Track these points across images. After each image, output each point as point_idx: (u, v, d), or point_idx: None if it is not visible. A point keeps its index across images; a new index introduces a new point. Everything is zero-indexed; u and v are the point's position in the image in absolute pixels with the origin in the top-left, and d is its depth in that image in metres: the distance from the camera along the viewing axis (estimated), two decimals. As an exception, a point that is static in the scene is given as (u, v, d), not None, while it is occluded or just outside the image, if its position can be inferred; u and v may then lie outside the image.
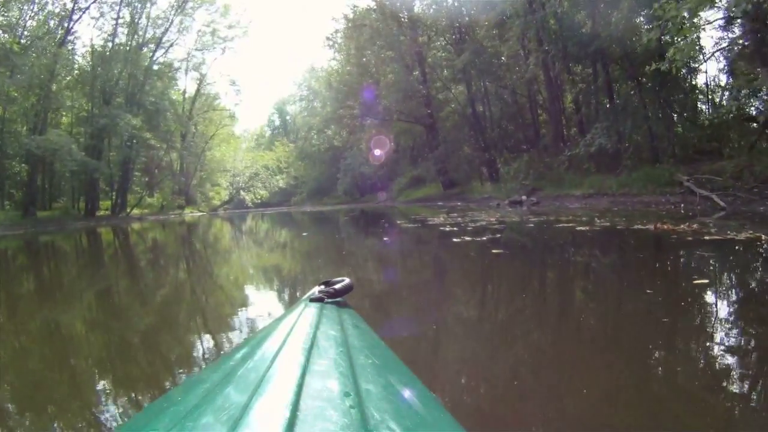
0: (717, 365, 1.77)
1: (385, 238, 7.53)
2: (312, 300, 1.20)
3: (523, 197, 18.76)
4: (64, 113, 31.26)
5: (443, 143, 27.97)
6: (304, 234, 9.65)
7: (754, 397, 1.51)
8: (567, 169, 19.98)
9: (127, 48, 30.33)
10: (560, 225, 7.66)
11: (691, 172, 15.42)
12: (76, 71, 30.68)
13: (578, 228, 6.75)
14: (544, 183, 20.19)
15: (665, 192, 14.67)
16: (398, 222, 10.74)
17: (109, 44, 30.32)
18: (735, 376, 1.65)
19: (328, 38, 30.73)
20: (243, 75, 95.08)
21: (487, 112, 26.58)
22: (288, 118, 55.58)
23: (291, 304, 2.03)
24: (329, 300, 1.22)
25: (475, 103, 25.83)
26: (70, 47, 29.75)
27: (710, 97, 21.26)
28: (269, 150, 47.40)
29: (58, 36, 28.06)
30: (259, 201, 42.98)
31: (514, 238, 6.56)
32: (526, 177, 21.10)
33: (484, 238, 6.12)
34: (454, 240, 6.09)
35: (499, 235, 6.49)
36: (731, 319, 2.36)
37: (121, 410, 1.65)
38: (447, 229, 7.78)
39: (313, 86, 44.70)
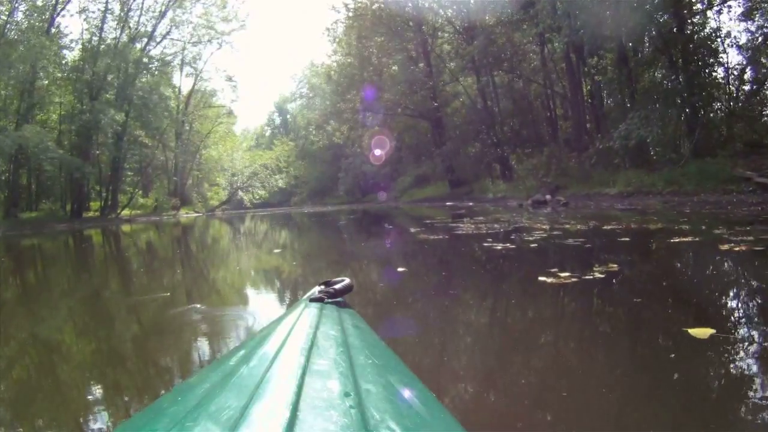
0: None
1: (399, 268, 4.16)
2: (312, 300, 1.14)
3: (547, 196, 15.62)
4: (53, 110, 28.09)
5: (451, 139, 24.80)
6: (276, 251, 6.44)
7: None
8: (594, 164, 16.79)
9: (117, 41, 27.20)
10: (676, 240, 4.57)
11: (755, 167, 12.35)
12: (67, 66, 27.43)
13: (738, 249, 3.62)
14: (567, 180, 17.04)
15: (730, 190, 11.53)
16: (411, 230, 7.54)
17: (97, 37, 27.11)
18: None
19: (328, 29, 27.53)
20: (243, 74, 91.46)
21: (497, 107, 23.38)
22: (289, 117, 52.20)
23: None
24: (329, 300, 1.16)
25: (486, 95, 22.63)
26: (57, 40, 26.78)
27: (729, 89, 17.95)
28: (269, 149, 44.10)
29: (40, 28, 24.92)
30: (259, 201, 39.73)
31: (652, 275, 3.36)
32: (546, 174, 17.92)
33: (600, 276, 2.98)
34: (543, 280, 2.95)
35: (615, 268, 3.31)
36: None
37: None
38: (497, 246, 4.66)
39: (313, 82, 41.33)
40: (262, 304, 3.36)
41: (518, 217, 9.37)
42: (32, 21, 24.98)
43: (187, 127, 32.96)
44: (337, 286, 1.24)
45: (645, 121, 14.88)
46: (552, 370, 1.79)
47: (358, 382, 0.63)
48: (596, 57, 19.45)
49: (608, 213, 9.65)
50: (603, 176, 15.93)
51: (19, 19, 24.59)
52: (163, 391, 1.67)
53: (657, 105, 15.56)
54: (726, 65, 16.88)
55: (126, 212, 28.02)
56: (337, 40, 28.30)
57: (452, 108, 26.58)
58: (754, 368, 1.63)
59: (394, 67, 25.26)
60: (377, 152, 28.85)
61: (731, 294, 2.73)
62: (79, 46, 27.16)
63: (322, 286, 1.27)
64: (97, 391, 1.79)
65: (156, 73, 28.98)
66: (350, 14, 25.83)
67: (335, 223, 12.72)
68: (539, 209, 13.65)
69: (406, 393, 0.67)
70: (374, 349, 0.87)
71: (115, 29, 27.69)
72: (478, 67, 21.56)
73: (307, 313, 0.97)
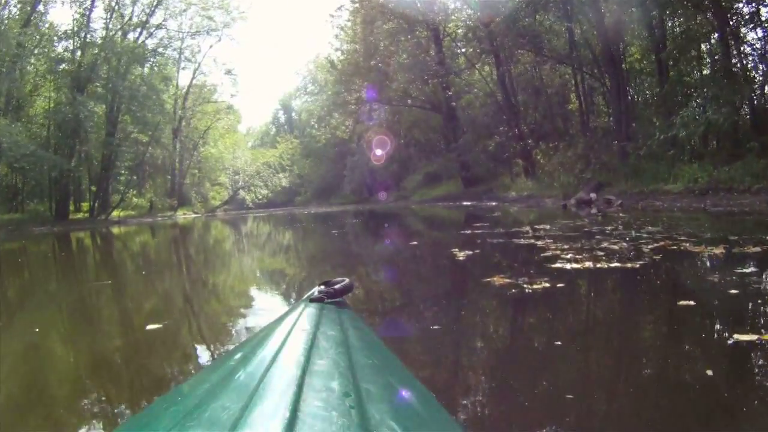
0: None
1: None
2: (312, 300, 1.06)
3: (592, 195, 12.35)
4: (42, 105, 24.95)
5: (465, 133, 21.50)
6: (155, 327, 3.07)
7: None
8: (643, 157, 13.42)
9: (106, 31, 24.07)
10: None
11: None
12: (53, 58, 24.24)
13: None
14: (612, 176, 13.73)
15: None
16: (457, 255, 3.93)
17: (85, 27, 23.94)
18: None
19: (332, 15, 24.27)
20: (249, 73, 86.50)
21: (514, 97, 19.96)
22: (293, 114, 48.63)
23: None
24: (329, 300, 1.08)
25: (506, 84, 19.26)
26: (46, 31, 23.75)
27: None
28: (274, 148, 40.67)
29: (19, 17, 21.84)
30: (263, 201, 36.39)
31: None
32: (583, 170, 14.61)
33: None
34: None
35: None
36: None
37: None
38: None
39: (318, 79, 37.75)
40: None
41: (591, 224, 6.08)
42: (11, 9, 21.88)
43: (185, 124, 29.76)
44: (337, 287, 1.13)
45: (714, 102, 11.52)
46: None
47: (358, 382, 0.59)
48: (622, 44, 16.33)
49: (725, 218, 6.36)
50: (658, 170, 12.61)
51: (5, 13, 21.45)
52: (163, 391, 1.47)
53: (725, 83, 12.16)
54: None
55: (116, 213, 24.88)
56: (341, 27, 25.00)
57: (466, 100, 23.24)
58: None
59: (403, 55, 21.94)
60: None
61: None
62: (65, 37, 23.93)
63: (322, 287, 1.16)
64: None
65: (150, 65, 25.86)
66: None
67: (332, 229, 9.50)
68: (582, 209, 10.44)
69: (406, 393, 0.64)
70: (374, 350, 0.83)
71: (105, 19, 24.55)
72: (497, 49, 18.20)
73: (307, 314, 0.91)
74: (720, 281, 2.41)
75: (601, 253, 3.40)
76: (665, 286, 2.67)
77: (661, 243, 3.76)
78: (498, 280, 2.75)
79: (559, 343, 1.74)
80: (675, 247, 3.56)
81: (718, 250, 3.30)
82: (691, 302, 2.07)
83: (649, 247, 3.60)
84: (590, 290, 2.71)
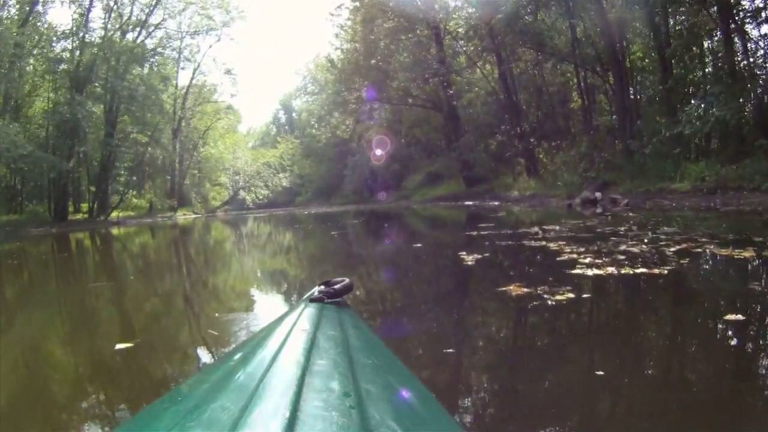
0: None
1: None
2: (312, 300, 1.05)
3: (597, 194, 12.12)
4: (42, 106, 24.69)
5: (467, 132, 21.24)
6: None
7: None
8: (648, 155, 13.16)
9: (105, 30, 23.81)
10: None
11: None
12: (52, 58, 23.97)
13: None
14: (617, 175, 13.49)
15: None
16: (465, 259, 3.65)
17: (83, 27, 23.68)
18: None
19: (331, 14, 24.00)
20: (247, 73, 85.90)
21: (515, 95, 19.67)
22: (294, 114, 48.29)
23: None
24: (329, 300, 1.06)
25: (508, 82, 18.99)
26: (44, 31, 23.53)
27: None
28: (274, 148, 40.38)
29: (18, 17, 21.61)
30: (263, 201, 36.11)
31: None
32: (588, 168, 14.35)
33: None
34: None
35: None
36: None
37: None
38: None
39: (318, 79, 37.42)
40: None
41: (602, 224, 5.83)
42: (9, 10, 21.64)
43: (185, 124, 29.48)
44: (337, 287, 1.12)
45: (720, 99, 11.25)
46: None
47: (358, 382, 0.59)
48: (625, 41, 16.09)
49: (739, 217, 6.12)
50: (663, 169, 12.36)
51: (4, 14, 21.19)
52: (163, 391, 1.45)
53: (730, 80, 11.91)
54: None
55: (115, 214, 24.63)
56: (341, 26, 24.73)
57: (467, 99, 22.98)
58: None
59: (404, 54, 21.68)
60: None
61: None
62: (64, 37, 23.67)
63: (322, 286, 1.15)
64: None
65: (149, 65, 25.60)
66: (355, -2, 22.33)
67: (332, 230, 9.28)
68: (588, 209, 10.20)
69: (406, 393, 0.64)
70: (374, 350, 0.82)
71: (103, 19, 24.29)
72: (499, 47, 17.94)
73: (307, 313, 0.90)
74: (763, 290, 2.17)
75: (622, 257, 3.17)
76: (703, 295, 2.44)
77: (683, 245, 3.54)
78: (515, 289, 2.52)
79: (601, 372, 1.46)
80: (699, 250, 3.34)
81: (747, 253, 3.07)
82: (739, 316, 1.83)
83: (672, 249, 3.38)
84: (622, 302, 2.49)
